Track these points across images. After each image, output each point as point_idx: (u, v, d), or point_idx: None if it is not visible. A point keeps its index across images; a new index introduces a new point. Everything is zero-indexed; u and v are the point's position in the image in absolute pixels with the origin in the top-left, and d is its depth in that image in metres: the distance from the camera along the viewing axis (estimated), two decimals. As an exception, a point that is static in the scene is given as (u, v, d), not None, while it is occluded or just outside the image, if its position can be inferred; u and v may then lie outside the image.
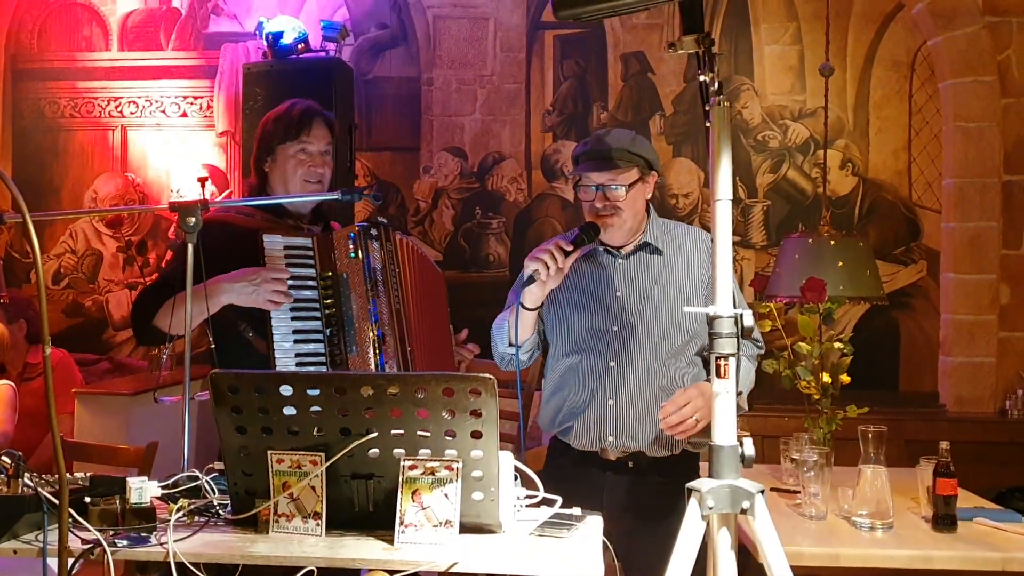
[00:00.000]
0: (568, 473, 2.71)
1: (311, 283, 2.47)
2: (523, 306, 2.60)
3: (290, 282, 2.43)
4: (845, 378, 3.36)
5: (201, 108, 5.59)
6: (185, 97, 5.61)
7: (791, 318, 3.43)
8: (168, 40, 5.61)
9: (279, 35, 4.77)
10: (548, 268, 2.48)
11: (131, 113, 5.65)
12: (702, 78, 1.84)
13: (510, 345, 2.64)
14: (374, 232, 2.50)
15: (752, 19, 5.31)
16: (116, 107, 5.66)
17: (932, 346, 5.22)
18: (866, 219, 5.25)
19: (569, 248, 2.52)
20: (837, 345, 3.30)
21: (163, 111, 5.63)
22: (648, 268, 2.68)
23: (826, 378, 3.31)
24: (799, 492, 2.97)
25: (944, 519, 2.73)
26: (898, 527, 2.76)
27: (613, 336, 2.64)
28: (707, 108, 1.84)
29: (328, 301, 2.45)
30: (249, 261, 2.44)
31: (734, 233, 5.96)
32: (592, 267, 2.72)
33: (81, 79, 5.69)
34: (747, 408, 2.65)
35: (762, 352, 2.79)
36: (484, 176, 5.47)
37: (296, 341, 2.43)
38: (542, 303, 2.65)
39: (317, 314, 2.46)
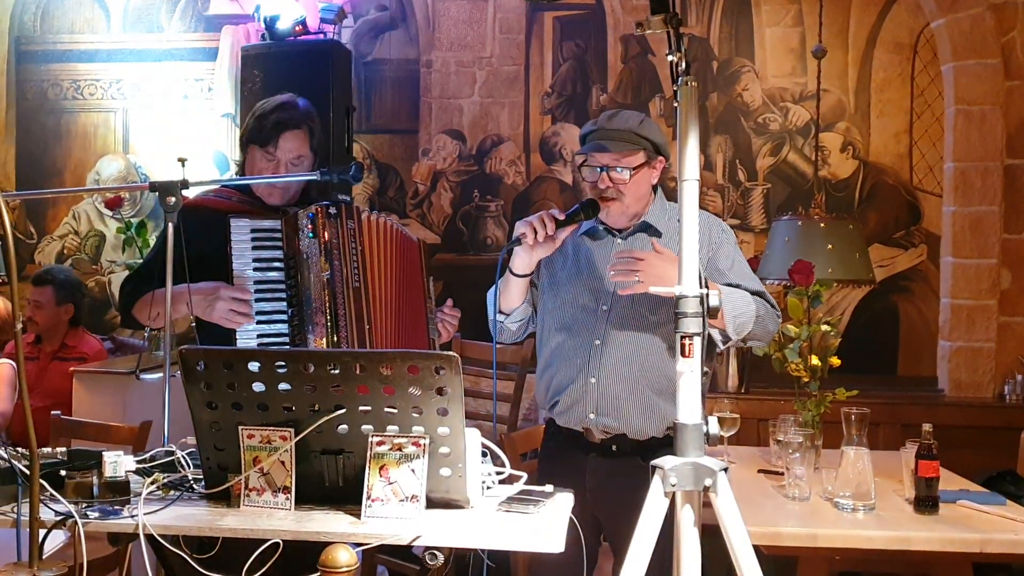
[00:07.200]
0: (555, 454, 2.75)
1: (278, 264, 2.49)
2: (511, 271, 2.62)
3: (257, 264, 2.46)
4: (835, 361, 3.36)
5: (202, 90, 5.60)
6: (186, 79, 5.63)
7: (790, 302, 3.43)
8: (169, 22, 5.63)
9: (276, 17, 4.77)
10: (536, 233, 2.49)
11: (133, 95, 5.67)
12: (670, 58, 1.85)
13: (500, 311, 2.66)
14: (333, 211, 2.50)
15: (753, 1, 5.28)
16: (118, 89, 5.68)
17: (931, 330, 5.19)
18: (867, 203, 5.21)
19: (561, 218, 2.52)
20: (825, 327, 3.30)
21: (164, 93, 5.65)
22: (645, 249, 2.63)
23: (815, 360, 3.31)
24: (784, 474, 2.98)
25: (926, 501, 2.74)
26: (880, 508, 2.77)
27: (602, 315, 2.63)
28: (675, 88, 1.85)
29: (290, 282, 2.47)
30: (224, 243, 2.45)
31: (734, 216, 5.83)
32: (591, 245, 2.71)
33: (83, 61, 5.72)
34: (756, 332, 2.53)
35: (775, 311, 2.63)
36: (483, 159, 5.46)
37: (259, 322, 2.45)
38: (533, 271, 2.66)
39: (283, 295, 2.48)
